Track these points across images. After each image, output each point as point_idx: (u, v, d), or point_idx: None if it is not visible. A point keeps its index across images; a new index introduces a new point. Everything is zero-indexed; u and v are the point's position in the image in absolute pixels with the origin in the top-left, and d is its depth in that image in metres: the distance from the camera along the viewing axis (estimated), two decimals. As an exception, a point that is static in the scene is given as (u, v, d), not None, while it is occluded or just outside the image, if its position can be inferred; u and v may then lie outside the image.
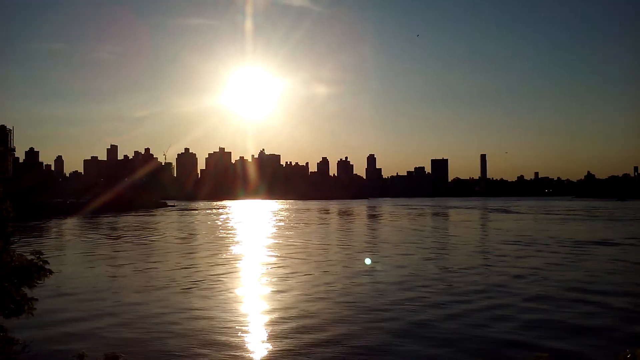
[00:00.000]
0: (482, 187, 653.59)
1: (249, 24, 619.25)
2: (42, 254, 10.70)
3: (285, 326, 28.76)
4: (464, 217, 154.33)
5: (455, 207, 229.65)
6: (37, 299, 10.32)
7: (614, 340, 25.84)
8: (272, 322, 29.74)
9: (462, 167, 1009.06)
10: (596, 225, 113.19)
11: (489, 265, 51.67)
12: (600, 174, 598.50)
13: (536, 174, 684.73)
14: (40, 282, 10.38)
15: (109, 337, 26.98)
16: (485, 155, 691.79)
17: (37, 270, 10.06)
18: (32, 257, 10.33)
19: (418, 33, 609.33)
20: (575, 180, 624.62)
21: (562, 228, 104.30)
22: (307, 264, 53.93)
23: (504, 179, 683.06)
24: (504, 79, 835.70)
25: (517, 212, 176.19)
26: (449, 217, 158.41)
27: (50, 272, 10.35)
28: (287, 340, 26.10)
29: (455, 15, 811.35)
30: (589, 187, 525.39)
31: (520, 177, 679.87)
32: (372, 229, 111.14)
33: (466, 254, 61.20)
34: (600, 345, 25.20)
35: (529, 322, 29.35)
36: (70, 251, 68.38)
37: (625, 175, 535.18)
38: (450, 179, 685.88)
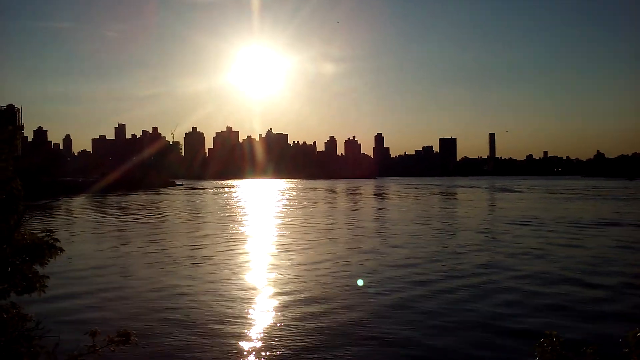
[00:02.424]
0: (490, 166, 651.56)
1: (255, 1, 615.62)
2: (53, 232, 10.78)
3: (289, 301, 29.00)
4: (464, 196, 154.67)
5: (460, 187, 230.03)
6: (48, 277, 10.41)
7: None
8: (279, 299, 29.98)
9: (470, 146, 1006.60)
10: (586, 204, 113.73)
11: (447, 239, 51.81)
12: (610, 153, 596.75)
13: (545, 153, 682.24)
14: (51, 259, 10.47)
15: (121, 314, 27.30)
16: (493, 134, 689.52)
17: (48, 248, 10.14)
18: (43, 235, 10.41)
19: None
20: (585, 160, 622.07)
21: (547, 207, 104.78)
22: (313, 243, 54.19)
23: (513, 158, 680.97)
24: (514, 58, 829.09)
25: (518, 192, 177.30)
26: (450, 196, 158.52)
27: (62, 250, 10.42)
28: (293, 315, 26.32)
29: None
30: (598, 166, 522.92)
31: (529, 157, 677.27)
32: (377, 209, 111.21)
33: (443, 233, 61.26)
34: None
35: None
36: (80, 229, 68.97)
37: (635, 155, 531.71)
38: (458, 158, 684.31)
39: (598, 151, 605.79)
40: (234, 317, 26.59)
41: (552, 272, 37.29)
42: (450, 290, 32.04)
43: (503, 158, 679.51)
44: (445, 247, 50.72)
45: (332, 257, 44.93)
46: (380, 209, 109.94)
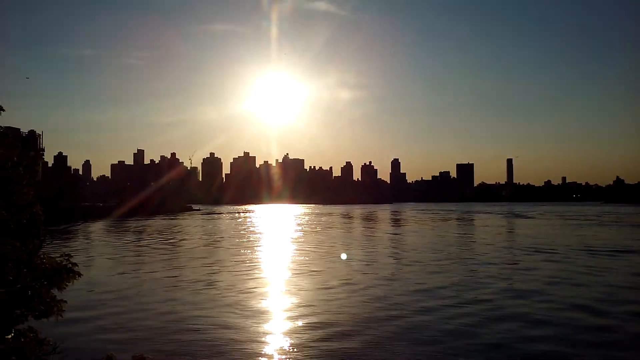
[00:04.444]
0: (508, 192, 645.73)
1: (274, 30, 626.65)
2: (71, 256, 10.93)
3: (309, 333, 28.81)
4: (476, 223, 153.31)
5: (476, 213, 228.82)
6: (66, 301, 10.53)
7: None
8: (296, 329, 29.79)
9: (488, 172, 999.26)
10: (594, 230, 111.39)
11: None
12: (630, 178, 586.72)
13: (564, 178, 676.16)
14: (69, 284, 10.59)
15: (137, 339, 27.31)
16: (511, 159, 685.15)
17: (66, 273, 10.28)
18: (62, 259, 10.56)
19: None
20: (604, 185, 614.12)
21: (555, 233, 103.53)
22: (329, 271, 53.90)
23: (531, 183, 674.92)
24: (531, 83, 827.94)
25: (531, 218, 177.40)
26: (463, 222, 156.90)
27: (79, 274, 10.56)
28: (308, 343, 26.15)
29: (481, 20, 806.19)
30: (618, 192, 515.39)
31: (548, 182, 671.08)
32: (390, 235, 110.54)
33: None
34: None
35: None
36: (98, 254, 69.44)
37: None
38: (476, 183, 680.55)
39: (617, 177, 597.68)
40: (251, 347, 26.48)
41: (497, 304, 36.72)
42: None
43: (521, 184, 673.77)
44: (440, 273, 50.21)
45: (344, 284, 44.66)
46: (394, 234, 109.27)
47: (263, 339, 27.46)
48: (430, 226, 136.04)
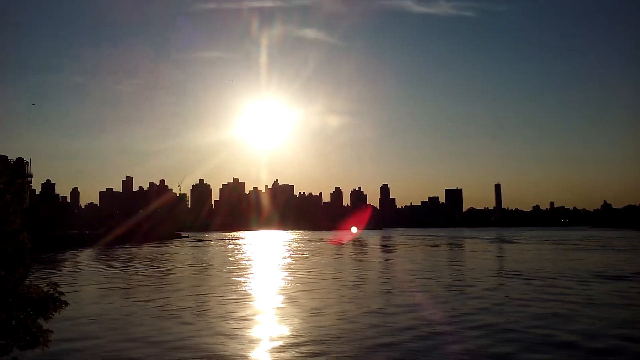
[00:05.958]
0: (497, 217, 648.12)
1: (263, 57, 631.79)
2: (58, 285, 10.76)
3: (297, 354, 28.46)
4: (459, 248, 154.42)
5: (462, 238, 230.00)
6: (52, 331, 10.33)
7: None
8: (286, 352, 29.44)
9: (477, 197, 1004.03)
10: (570, 255, 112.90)
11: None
12: (617, 203, 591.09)
13: (552, 203, 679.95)
14: (55, 313, 10.40)
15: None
16: (499, 184, 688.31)
17: (53, 302, 10.10)
18: (48, 288, 10.39)
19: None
20: (592, 210, 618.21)
21: (526, 258, 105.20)
22: (318, 298, 53.56)
23: (520, 208, 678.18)
24: (519, 108, 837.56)
25: (516, 243, 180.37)
26: (448, 248, 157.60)
27: (66, 303, 10.39)
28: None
29: (468, 46, 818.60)
30: (605, 216, 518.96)
31: (536, 207, 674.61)
32: (378, 261, 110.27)
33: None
34: None
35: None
36: (86, 282, 68.50)
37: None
38: (465, 208, 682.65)
39: (605, 201, 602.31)
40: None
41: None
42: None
43: (509, 209, 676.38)
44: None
45: (333, 313, 44.36)
46: (381, 262, 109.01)
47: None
48: (417, 252, 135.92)
